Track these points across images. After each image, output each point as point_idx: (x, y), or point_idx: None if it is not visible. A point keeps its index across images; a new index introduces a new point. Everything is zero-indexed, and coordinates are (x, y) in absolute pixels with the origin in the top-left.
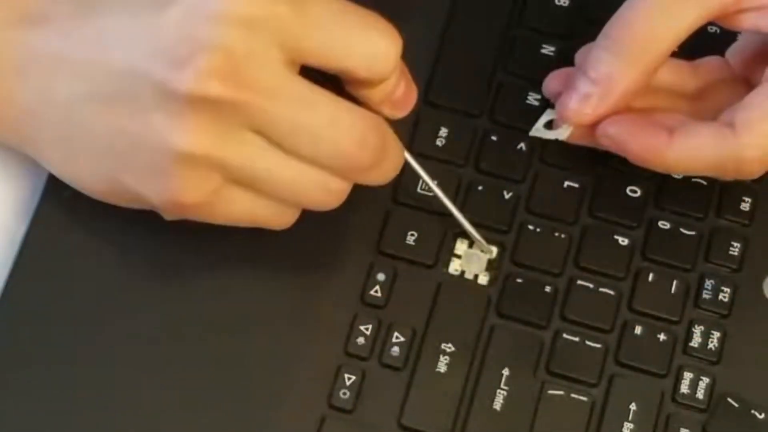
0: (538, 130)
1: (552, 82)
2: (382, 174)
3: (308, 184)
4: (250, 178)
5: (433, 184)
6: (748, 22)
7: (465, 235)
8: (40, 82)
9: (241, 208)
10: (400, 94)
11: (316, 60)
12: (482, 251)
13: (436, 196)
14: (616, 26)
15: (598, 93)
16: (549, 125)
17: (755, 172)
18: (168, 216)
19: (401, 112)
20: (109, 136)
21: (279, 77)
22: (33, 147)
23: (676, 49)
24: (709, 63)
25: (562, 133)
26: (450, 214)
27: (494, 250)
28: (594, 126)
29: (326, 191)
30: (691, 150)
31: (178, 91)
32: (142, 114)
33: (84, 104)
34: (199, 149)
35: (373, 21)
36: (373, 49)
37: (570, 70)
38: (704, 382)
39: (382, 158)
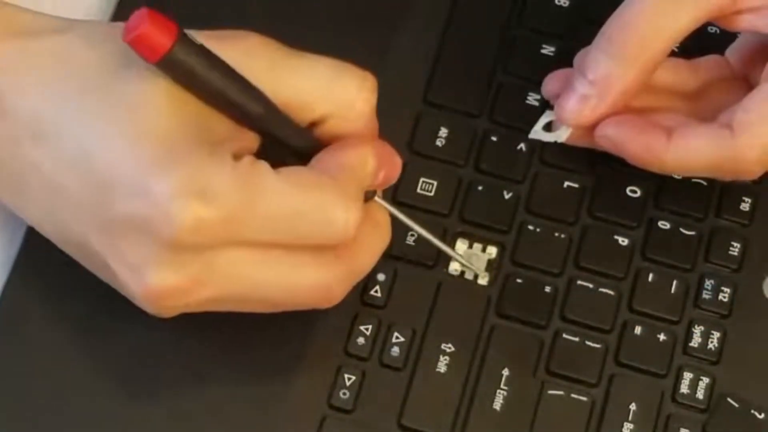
0: (537, 133)
1: (550, 83)
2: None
3: (302, 282)
4: (240, 296)
5: (422, 230)
6: (745, 23)
7: (465, 235)
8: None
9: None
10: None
11: (271, 241)
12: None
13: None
14: (614, 27)
15: (597, 94)
16: (548, 127)
17: (754, 173)
18: None
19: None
20: (77, 253)
21: (232, 268)
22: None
23: (676, 49)
24: (709, 62)
25: (561, 135)
26: (449, 214)
27: (486, 275)
28: (593, 127)
29: (326, 286)
30: (690, 152)
31: (135, 294)
32: (106, 273)
33: (42, 229)
34: (167, 313)
35: (321, 196)
36: (327, 226)
37: (568, 71)
38: (704, 382)
39: (357, 277)
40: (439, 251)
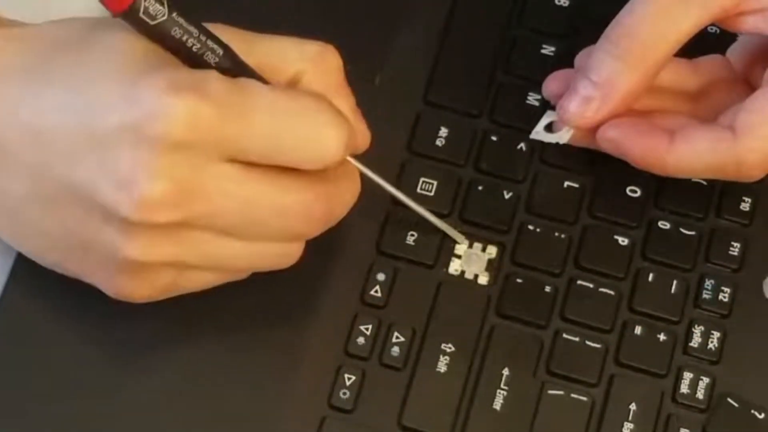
0: (538, 134)
1: (551, 83)
2: (336, 219)
3: (264, 258)
4: (206, 266)
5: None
6: (748, 24)
7: (465, 235)
8: None
9: (202, 283)
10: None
11: (259, 159)
12: (458, 242)
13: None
14: (618, 30)
15: (600, 96)
16: (549, 127)
17: (756, 175)
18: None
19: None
20: (54, 235)
21: (222, 183)
22: None
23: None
24: (710, 62)
25: (562, 137)
26: (449, 214)
27: (466, 242)
28: (594, 129)
29: (283, 257)
30: (692, 154)
31: (125, 215)
32: (88, 223)
33: (25, 204)
34: (150, 258)
35: (316, 112)
36: (319, 143)
37: (569, 72)
38: (704, 382)
39: (332, 215)
40: (440, 249)
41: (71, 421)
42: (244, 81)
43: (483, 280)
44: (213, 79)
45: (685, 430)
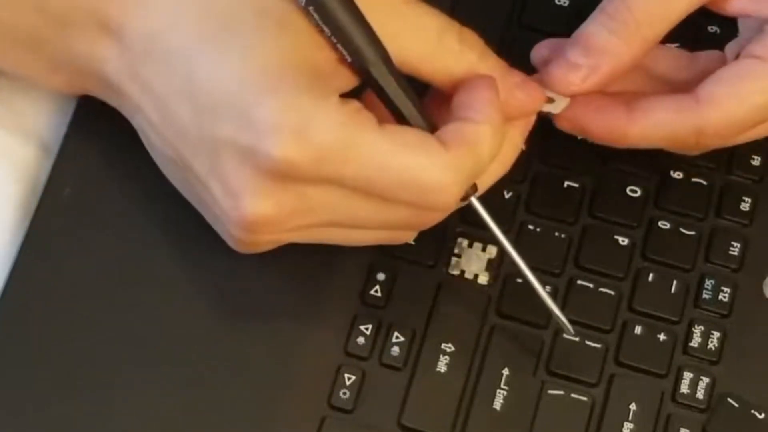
0: None
1: (540, 48)
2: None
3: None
4: (330, 226)
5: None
6: (735, 7)
7: (465, 234)
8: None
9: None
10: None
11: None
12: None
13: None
14: (616, 4)
15: (589, 66)
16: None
17: (715, 145)
18: None
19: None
20: (179, 182)
21: (324, 199)
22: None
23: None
24: (708, 56)
25: (557, 107)
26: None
27: (572, 333)
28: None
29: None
30: (653, 124)
31: (230, 221)
32: (205, 198)
33: (155, 150)
34: (258, 246)
35: (432, 159)
36: (426, 189)
37: (561, 40)
38: (704, 382)
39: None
40: (440, 249)
41: (68, 421)
42: (356, 118)
43: (483, 280)
44: (325, 117)
45: (685, 430)
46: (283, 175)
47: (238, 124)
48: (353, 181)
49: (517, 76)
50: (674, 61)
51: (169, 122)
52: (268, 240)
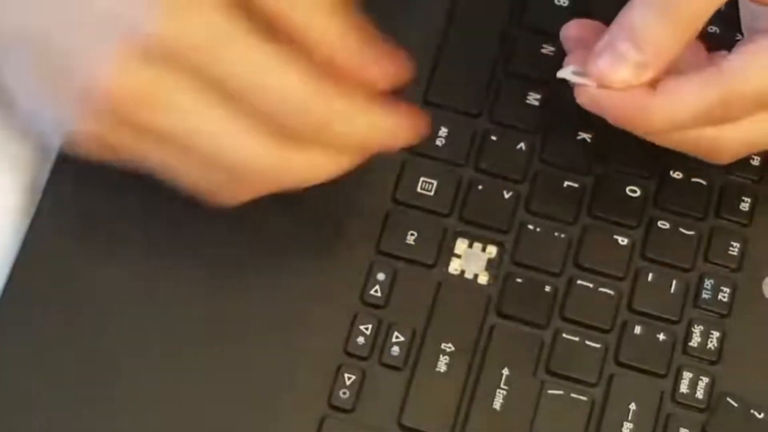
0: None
1: (570, 29)
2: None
3: (246, 148)
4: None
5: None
6: None
7: (465, 234)
8: None
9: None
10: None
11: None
12: None
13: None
14: None
15: (643, 61)
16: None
17: (742, 112)
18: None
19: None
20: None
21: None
22: None
23: None
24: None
25: (579, 77)
26: (449, 214)
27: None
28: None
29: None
30: (679, 101)
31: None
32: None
33: None
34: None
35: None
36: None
37: (594, 24)
38: (704, 381)
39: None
40: (440, 249)
41: (68, 421)
42: (242, 21)
43: (483, 279)
44: (213, 6)
45: (685, 429)
46: (147, 52)
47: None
48: (219, 78)
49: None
50: (693, 53)
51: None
52: (111, 133)
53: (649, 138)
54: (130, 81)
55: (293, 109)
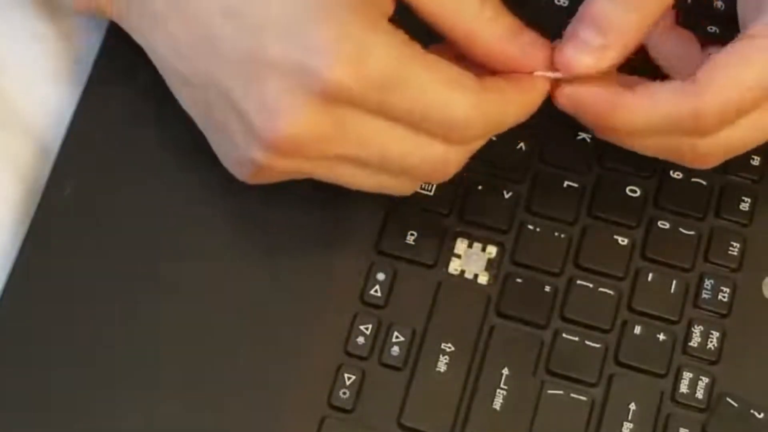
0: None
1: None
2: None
3: (424, 157)
4: (359, 160)
5: None
6: None
7: (465, 234)
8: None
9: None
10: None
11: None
12: None
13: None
14: None
15: (604, 44)
16: None
17: (712, 131)
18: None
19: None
20: (199, 98)
21: (361, 131)
22: (142, 33)
23: None
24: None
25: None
26: (449, 214)
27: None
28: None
29: (444, 162)
30: (653, 105)
31: (261, 138)
32: (229, 120)
33: (179, 80)
34: (277, 172)
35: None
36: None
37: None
38: (703, 381)
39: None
40: (440, 249)
41: (68, 421)
42: (407, 45)
43: (483, 279)
44: (379, 43)
45: (685, 429)
46: (329, 98)
47: (289, 44)
48: (397, 111)
49: (528, 35)
50: (682, 45)
51: (203, 41)
52: (287, 167)
53: (629, 144)
54: (312, 122)
55: (461, 124)
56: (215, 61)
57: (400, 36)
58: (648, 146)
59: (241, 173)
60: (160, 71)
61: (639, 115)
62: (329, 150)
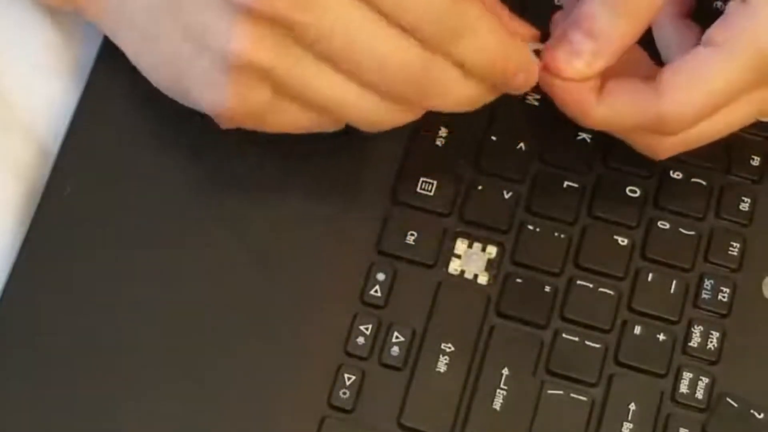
0: None
1: (557, 19)
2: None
3: (359, 108)
4: (301, 95)
5: None
6: None
7: (465, 234)
8: None
9: (292, 120)
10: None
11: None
12: None
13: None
14: None
15: (594, 50)
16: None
17: (676, 131)
18: (222, 125)
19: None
20: (172, 42)
21: (339, 8)
22: (112, 34)
23: None
24: None
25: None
26: (449, 214)
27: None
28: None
29: (375, 115)
30: (616, 108)
31: (242, 3)
32: (204, 15)
33: (144, 12)
34: (252, 57)
35: None
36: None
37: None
38: (703, 381)
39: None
40: (440, 249)
41: (68, 421)
42: None
43: (483, 279)
44: None
45: (685, 429)
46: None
47: None
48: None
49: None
50: (680, 33)
51: None
52: (256, 96)
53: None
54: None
55: (435, 17)
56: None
57: None
58: (609, 131)
59: (218, 89)
60: (120, 40)
61: (604, 116)
62: (304, 15)
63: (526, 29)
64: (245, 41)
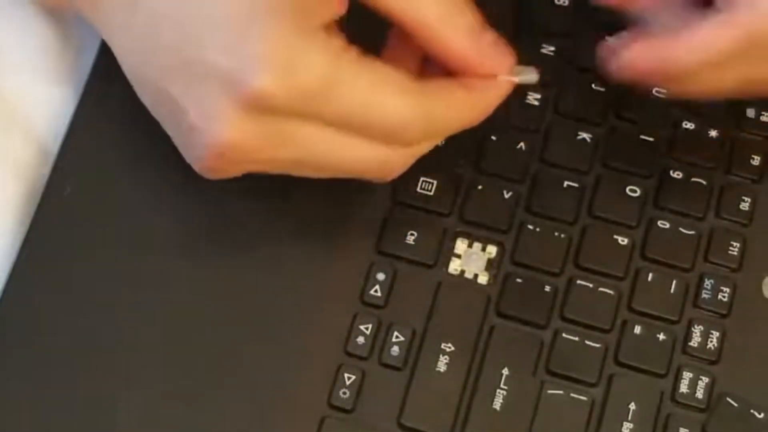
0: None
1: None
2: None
3: (363, 161)
4: (299, 163)
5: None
6: None
7: (465, 234)
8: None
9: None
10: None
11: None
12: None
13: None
14: None
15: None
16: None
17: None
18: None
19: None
20: (153, 97)
21: (302, 139)
22: (106, 34)
23: None
24: None
25: (530, 77)
26: (449, 214)
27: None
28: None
29: (384, 164)
30: (703, 39)
31: (203, 144)
32: (181, 122)
33: (138, 78)
34: (239, 147)
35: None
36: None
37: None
38: (703, 381)
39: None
40: (440, 248)
41: (68, 420)
42: (341, 57)
43: (483, 279)
44: (312, 54)
45: (685, 429)
46: (260, 107)
47: (223, 52)
48: (332, 118)
49: (490, 36)
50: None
51: (154, 44)
52: (235, 169)
53: (690, 89)
54: (247, 131)
55: (399, 127)
56: (162, 62)
57: (336, 42)
58: (724, 81)
59: (197, 167)
60: (122, 66)
61: (696, 56)
62: (270, 155)
63: (503, 58)
64: (234, 135)
